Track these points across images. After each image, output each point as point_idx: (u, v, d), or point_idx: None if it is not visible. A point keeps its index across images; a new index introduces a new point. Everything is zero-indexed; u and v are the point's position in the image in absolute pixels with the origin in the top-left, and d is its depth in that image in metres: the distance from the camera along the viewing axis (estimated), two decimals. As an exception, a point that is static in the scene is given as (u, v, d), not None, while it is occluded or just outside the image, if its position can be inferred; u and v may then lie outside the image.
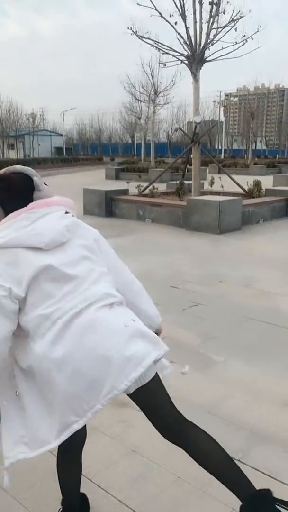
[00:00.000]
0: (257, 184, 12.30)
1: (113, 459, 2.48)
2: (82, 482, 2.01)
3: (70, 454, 1.90)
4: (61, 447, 1.75)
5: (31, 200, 1.76)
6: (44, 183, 1.83)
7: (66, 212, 1.77)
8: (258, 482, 2.30)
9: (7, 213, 1.73)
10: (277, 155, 59.43)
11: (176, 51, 11.67)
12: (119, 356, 1.57)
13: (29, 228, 1.65)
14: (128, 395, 1.68)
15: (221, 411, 2.94)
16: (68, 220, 1.75)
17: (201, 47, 11.37)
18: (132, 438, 2.66)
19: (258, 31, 11.98)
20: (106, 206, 11.47)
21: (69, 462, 1.93)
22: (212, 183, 13.11)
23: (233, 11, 11.44)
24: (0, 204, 1.75)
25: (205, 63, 11.66)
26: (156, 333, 1.86)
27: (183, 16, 11.35)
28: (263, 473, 2.37)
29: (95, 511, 2.10)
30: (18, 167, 1.82)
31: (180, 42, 11.46)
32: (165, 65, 13.46)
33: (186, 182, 12.62)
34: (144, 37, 12.27)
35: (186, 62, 11.66)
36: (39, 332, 1.58)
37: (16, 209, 1.72)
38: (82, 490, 2.03)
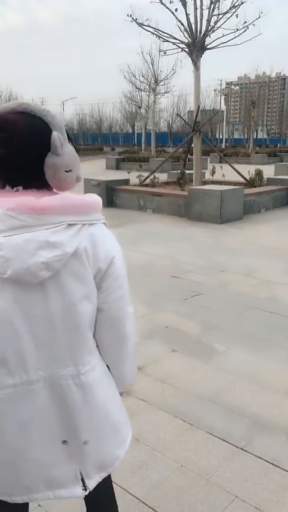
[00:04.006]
0: (259, 173, 12.26)
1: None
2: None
3: None
4: None
5: (41, 169, 1.13)
6: (72, 145, 1.18)
7: (70, 224, 1.14)
8: (261, 470, 2.32)
9: None
10: (278, 144, 59.09)
11: (176, 39, 11.56)
12: (37, 473, 1.26)
13: None
14: None
15: (224, 400, 2.95)
16: (53, 253, 1.10)
17: (201, 35, 11.24)
18: (135, 427, 2.65)
19: (259, 17, 11.84)
20: (107, 196, 11.42)
21: None
22: (213, 172, 13.05)
23: (234, -4, 11.30)
24: None
25: (206, 51, 11.54)
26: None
27: (183, 2, 11.22)
28: (266, 461, 2.38)
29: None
30: (29, 105, 1.13)
31: (181, 30, 11.36)
32: (165, 53, 13.33)
33: (187, 171, 12.56)
34: (144, 25, 12.14)
35: (186, 50, 11.54)
36: None
37: (8, 179, 1.15)
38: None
